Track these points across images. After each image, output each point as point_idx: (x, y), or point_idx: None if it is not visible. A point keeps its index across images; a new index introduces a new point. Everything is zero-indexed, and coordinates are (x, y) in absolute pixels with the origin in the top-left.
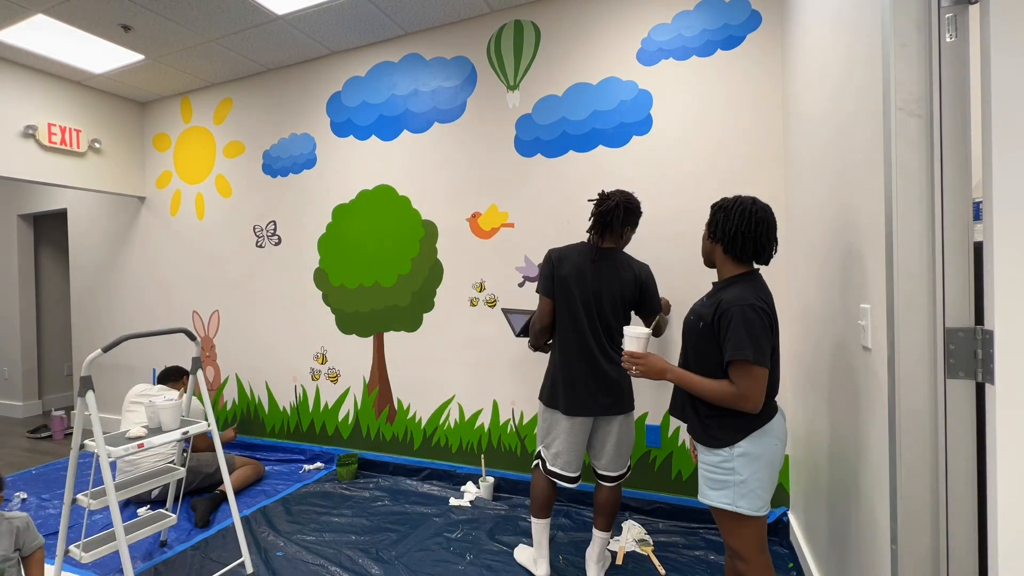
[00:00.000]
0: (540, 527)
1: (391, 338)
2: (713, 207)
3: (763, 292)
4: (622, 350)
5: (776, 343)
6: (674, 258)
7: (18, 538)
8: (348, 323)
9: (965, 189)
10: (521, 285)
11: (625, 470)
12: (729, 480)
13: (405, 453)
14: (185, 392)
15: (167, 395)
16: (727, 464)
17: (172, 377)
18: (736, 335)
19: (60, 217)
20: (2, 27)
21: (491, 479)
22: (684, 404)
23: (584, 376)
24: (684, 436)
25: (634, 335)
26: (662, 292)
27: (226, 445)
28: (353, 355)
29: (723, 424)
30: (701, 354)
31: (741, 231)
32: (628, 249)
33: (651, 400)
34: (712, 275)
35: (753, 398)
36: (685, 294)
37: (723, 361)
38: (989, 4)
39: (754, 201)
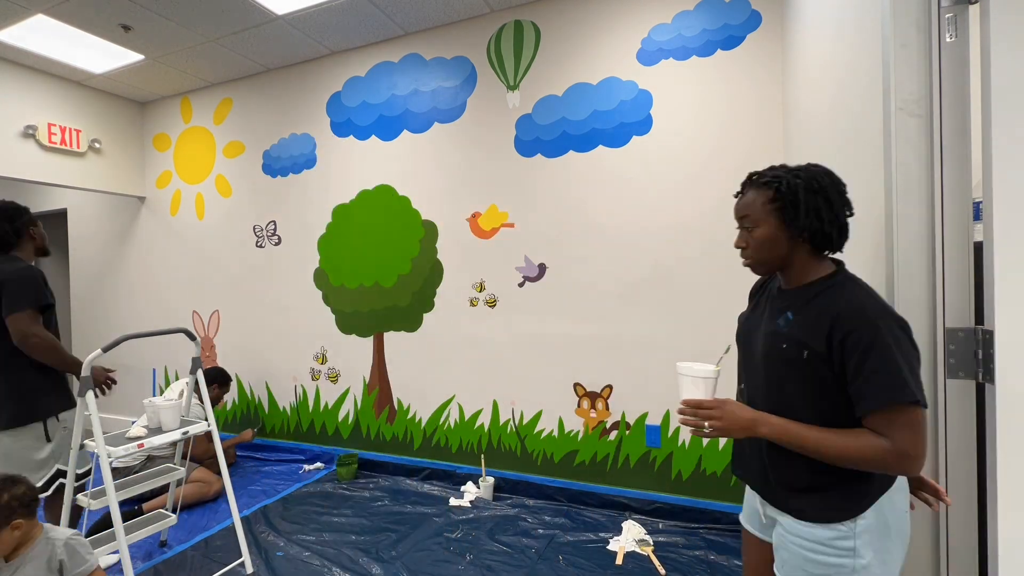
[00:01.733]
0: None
1: (391, 338)
2: (785, 183)
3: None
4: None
5: None
6: (675, 258)
7: (62, 569)
8: (348, 323)
9: (965, 189)
10: (521, 285)
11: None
12: (845, 566)
13: (405, 453)
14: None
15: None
16: (844, 543)
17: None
18: (889, 367)
19: (60, 217)
20: (2, 27)
21: (491, 479)
22: (769, 466)
23: None
24: (684, 436)
25: (699, 375)
26: (661, 294)
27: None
28: (353, 355)
29: (846, 488)
30: (805, 395)
31: (848, 215)
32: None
33: (650, 399)
34: (715, 275)
35: (917, 456)
36: (686, 297)
37: (843, 403)
38: (989, 4)
39: (829, 172)
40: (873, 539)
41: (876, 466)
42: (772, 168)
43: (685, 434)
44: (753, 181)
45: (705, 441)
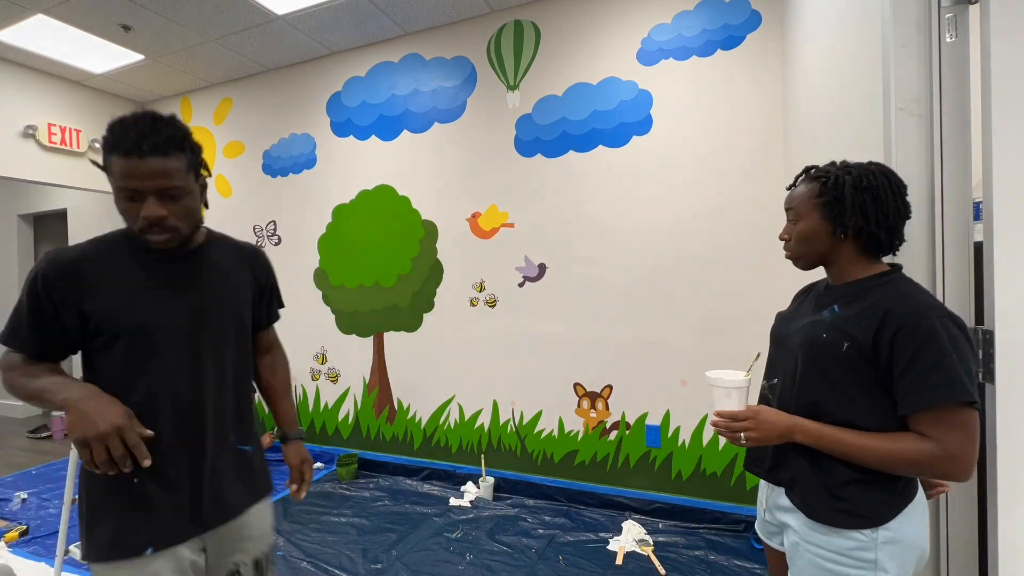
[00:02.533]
0: None
1: (391, 338)
2: (833, 178)
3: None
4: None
5: None
6: (675, 258)
7: None
8: (348, 323)
9: (965, 189)
10: (521, 285)
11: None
12: None
13: (405, 453)
14: None
15: None
16: (866, 554)
17: None
18: (946, 363)
19: (60, 217)
20: (2, 27)
21: (491, 479)
22: (795, 462)
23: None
24: (684, 436)
25: (730, 386)
26: (662, 294)
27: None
28: (353, 355)
29: (869, 494)
30: (846, 392)
31: (901, 218)
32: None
33: (650, 399)
34: (715, 275)
35: (967, 459)
36: (686, 297)
37: (874, 403)
38: (989, 4)
39: (887, 172)
40: (896, 553)
41: (922, 470)
42: (831, 163)
43: (685, 434)
44: (807, 174)
45: (705, 441)
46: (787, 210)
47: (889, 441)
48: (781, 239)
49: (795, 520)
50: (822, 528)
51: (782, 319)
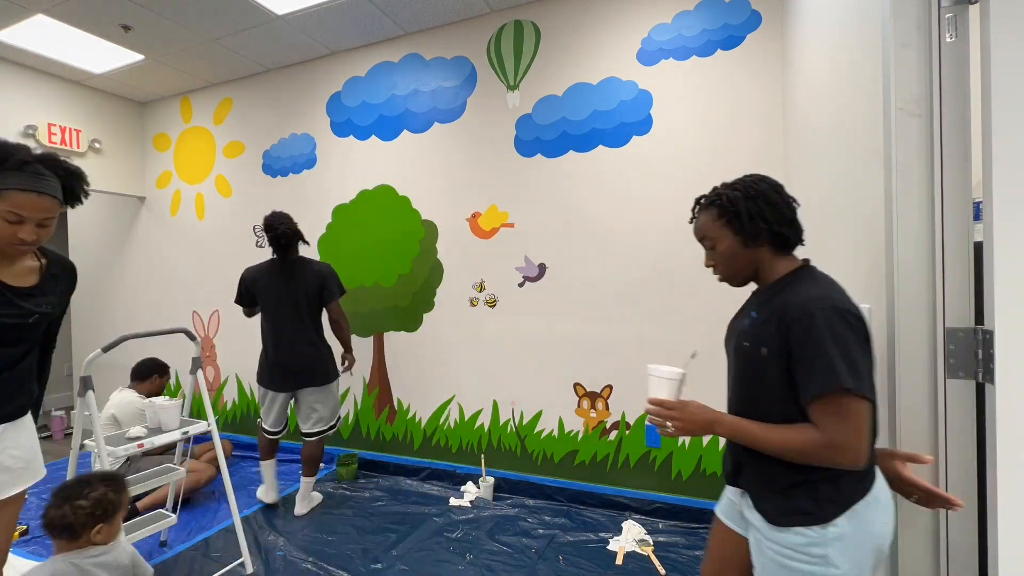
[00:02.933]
0: (266, 466)
1: (391, 338)
2: (725, 198)
3: (840, 289)
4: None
5: (873, 366)
6: (675, 258)
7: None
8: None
9: (965, 189)
10: (521, 285)
11: (326, 427)
12: (817, 574)
13: (405, 453)
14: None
15: (135, 401)
16: (815, 550)
17: (139, 376)
18: (822, 353)
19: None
20: (2, 27)
21: (491, 479)
22: (746, 466)
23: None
24: (684, 436)
25: (663, 376)
26: (661, 294)
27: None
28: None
29: (816, 491)
30: (769, 391)
31: (792, 211)
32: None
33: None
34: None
35: (850, 446)
36: (686, 297)
37: (799, 397)
38: (989, 4)
39: (763, 177)
40: (848, 549)
41: (813, 458)
42: (714, 188)
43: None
44: (700, 205)
45: (705, 441)
46: (700, 240)
47: (786, 432)
48: (707, 266)
49: (757, 519)
50: (774, 527)
51: (728, 326)
